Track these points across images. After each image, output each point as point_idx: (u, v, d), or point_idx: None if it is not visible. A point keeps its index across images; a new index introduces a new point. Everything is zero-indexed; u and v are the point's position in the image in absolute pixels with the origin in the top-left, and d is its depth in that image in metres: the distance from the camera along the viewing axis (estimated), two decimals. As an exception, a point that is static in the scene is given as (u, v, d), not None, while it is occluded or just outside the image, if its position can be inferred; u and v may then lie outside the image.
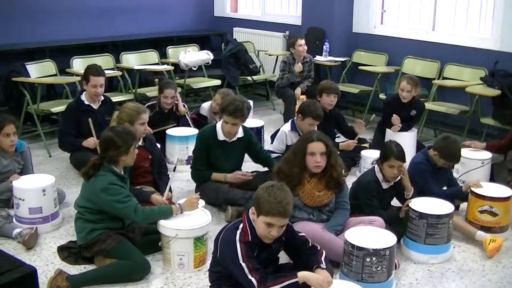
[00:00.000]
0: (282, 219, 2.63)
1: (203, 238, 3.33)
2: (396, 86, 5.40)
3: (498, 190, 3.86)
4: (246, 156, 4.42)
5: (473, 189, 3.84)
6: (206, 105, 5.58)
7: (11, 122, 3.90)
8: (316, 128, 4.58)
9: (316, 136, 3.33)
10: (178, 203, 3.37)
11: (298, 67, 6.38)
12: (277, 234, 2.67)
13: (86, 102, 4.78)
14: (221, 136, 4.15)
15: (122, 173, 3.36)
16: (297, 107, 5.68)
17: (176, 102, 5.29)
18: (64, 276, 3.08)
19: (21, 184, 3.76)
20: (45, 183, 3.77)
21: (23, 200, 3.70)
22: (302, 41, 6.39)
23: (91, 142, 4.51)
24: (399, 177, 3.65)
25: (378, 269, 2.98)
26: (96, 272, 3.20)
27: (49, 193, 3.78)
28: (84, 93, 4.82)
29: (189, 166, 4.35)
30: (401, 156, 3.58)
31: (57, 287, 3.04)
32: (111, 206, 3.20)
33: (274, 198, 2.60)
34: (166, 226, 3.25)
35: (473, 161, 4.42)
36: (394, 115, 5.11)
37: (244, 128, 4.28)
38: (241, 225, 2.73)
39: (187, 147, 5.00)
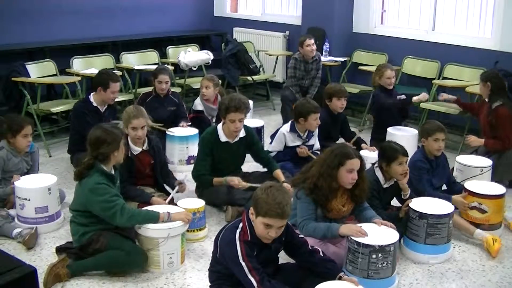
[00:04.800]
0: (280, 220, 2.63)
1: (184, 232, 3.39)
2: (376, 78, 5.37)
3: (489, 187, 3.87)
4: (247, 156, 4.42)
5: (465, 185, 3.89)
6: (197, 101, 5.59)
7: (30, 123, 4.03)
8: (318, 121, 4.61)
9: (354, 153, 3.26)
10: (167, 212, 3.31)
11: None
12: (276, 235, 2.67)
13: (95, 104, 4.76)
14: (223, 138, 4.14)
15: (112, 171, 3.34)
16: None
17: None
18: (65, 263, 3.14)
19: (26, 184, 3.76)
20: (49, 182, 3.80)
21: (29, 200, 3.71)
22: (311, 41, 6.18)
23: None
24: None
25: (384, 265, 3.01)
26: (94, 260, 3.23)
27: (53, 192, 3.81)
28: (92, 94, 4.78)
29: (191, 170, 4.29)
30: (405, 151, 3.62)
31: (55, 273, 3.07)
32: (98, 206, 3.17)
33: (273, 199, 2.59)
34: (156, 228, 3.23)
35: (472, 168, 4.27)
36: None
37: (246, 127, 4.27)
38: (240, 224, 2.73)
39: (187, 147, 5.00)
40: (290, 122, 4.75)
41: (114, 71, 6.23)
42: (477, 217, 3.78)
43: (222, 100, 4.15)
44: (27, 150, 4.04)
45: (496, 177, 4.42)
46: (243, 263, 2.62)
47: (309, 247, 2.89)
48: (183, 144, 5.01)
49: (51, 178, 3.88)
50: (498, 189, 3.85)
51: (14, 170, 3.95)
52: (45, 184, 3.77)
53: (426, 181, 3.92)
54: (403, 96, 5.31)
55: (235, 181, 4.04)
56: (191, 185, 4.43)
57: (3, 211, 3.84)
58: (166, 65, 6.76)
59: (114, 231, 3.28)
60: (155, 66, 6.76)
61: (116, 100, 5.01)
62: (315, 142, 4.78)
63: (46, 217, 3.77)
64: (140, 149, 3.92)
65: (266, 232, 2.64)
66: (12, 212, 3.86)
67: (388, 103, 5.21)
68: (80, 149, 4.66)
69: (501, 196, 3.79)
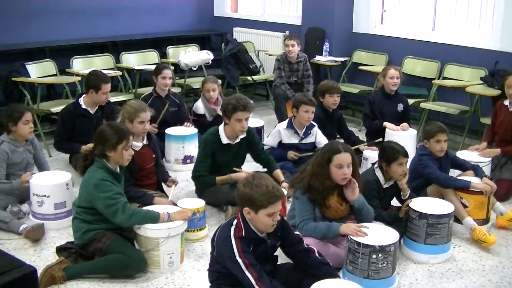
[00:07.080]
0: (280, 201, 2.67)
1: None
2: (380, 79, 5.35)
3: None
4: (247, 156, 4.42)
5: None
6: (198, 103, 5.57)
7: (29, 110, 4.10)
8: (313, 115, 4.62)
9: (341, 147, 3.25)
10: (167, 212, 3.31)
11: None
12: (278, 217, 2.70)
13: (84, 106, 4.74)
14: (225, 140, 4.14)
15: (118, 170, 3.34)
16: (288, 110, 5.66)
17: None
18: (62, 266, 3.13)
19: (44, 181, 3.81)
20: (66, 178, 3.87)
21: (48, 196, 3.75)
22: (291, 42, 6.20)
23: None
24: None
25: (384, 265, 3.01)
26: (92, 264, 3.23)
27: (70, 187, 3.88)
28: (83, 97, 4.77)
29: (191, 171, 4.27)
30: (406, 152, 3.62)
31: (50, 275, 3.07)
32: (102, 202, 3.17)
33: (266, 188, 2.62)
34: (156, 228, 3.23)
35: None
36: (389, 124, 5.09)
37: (247, 128, 4.26)
38: (235, 221, 2.73)
39: (183, 147, 5.00)
40: (288, 119, 4.77)
41: (113, 71, 6.27)
42: None
43: (228, 101, 4.12)
44: (31, 136, 4.09)
45: (505, 177, 4.44)
46: (239, 260, 2.62)
47: (305, 245, 2.88)
48: (179, 143, 5.00)
49: (65, 174, 3.94)
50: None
51: (19, 162, 3.99)
52: (63, 180, 3.84)
53: (433, 166, 3.88)
54: (401, 106, 5.27)
55: (243, 174, 4.01)
56: (191, 185, 4.43)
57: (16, 207, 3.88)
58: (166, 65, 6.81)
59: (117, 233, 3.28)
60: (155, 66, 6.80)
61: (116, 100, 5.01)
62: (315, 140, 4.78)
63: (65, 212, 3.83)
64: (141, 144, 3.93)
65: (271, 220, 2.66)
66: (24, 208, 3.88)
67: (377, 122, 5.16)
68: (73, 152, 4.75)
69: (482, 193, 3.78)
